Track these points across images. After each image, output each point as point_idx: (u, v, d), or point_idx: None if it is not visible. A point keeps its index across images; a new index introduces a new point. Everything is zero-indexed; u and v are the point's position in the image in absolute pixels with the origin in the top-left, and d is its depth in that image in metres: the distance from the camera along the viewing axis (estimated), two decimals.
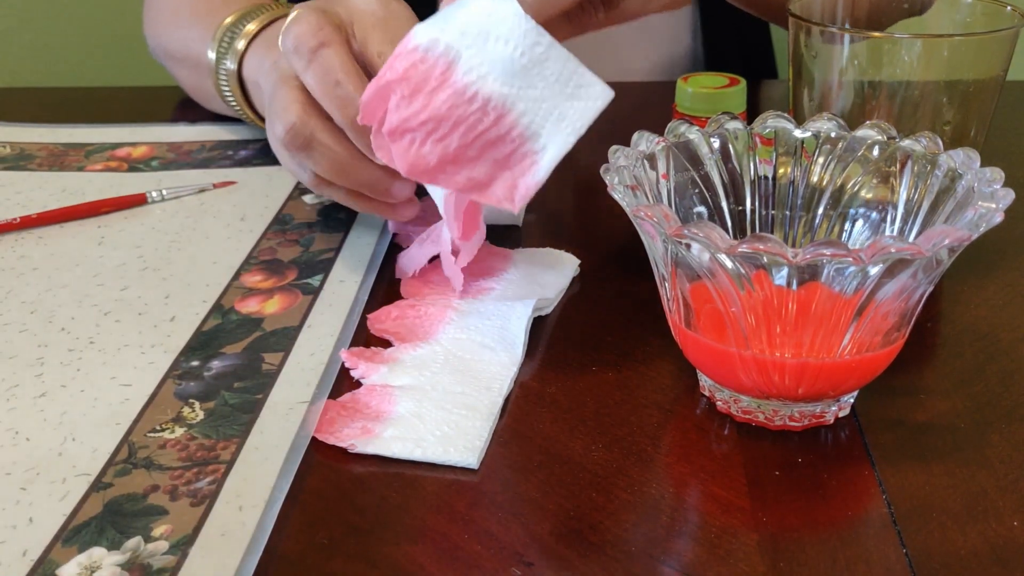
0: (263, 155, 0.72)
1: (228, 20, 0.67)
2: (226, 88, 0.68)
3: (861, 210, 0.46)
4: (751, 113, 0.56)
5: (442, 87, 0.44)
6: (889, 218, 0.45)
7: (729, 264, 0.38)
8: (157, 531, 0.38)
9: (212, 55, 0.67)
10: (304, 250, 0.58)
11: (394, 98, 0.45)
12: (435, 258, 0.54)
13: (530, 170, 0.45)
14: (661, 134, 0.46)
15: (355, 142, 0.51)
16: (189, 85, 0.79)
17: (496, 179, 0.46)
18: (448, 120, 0.44)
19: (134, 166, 0.71)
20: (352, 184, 0.53)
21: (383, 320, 0.50)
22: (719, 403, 0.44)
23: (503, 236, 0.58)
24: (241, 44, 0.66)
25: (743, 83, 0.64)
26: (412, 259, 0.55)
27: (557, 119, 0.44)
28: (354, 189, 0.53)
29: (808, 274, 0.37)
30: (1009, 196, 0.39)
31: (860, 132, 0.46)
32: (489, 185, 0.46)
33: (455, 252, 0.52)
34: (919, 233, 0.43)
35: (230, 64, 0.67)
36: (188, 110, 0.82)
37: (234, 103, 0.69)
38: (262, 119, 0.66)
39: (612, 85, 0.44)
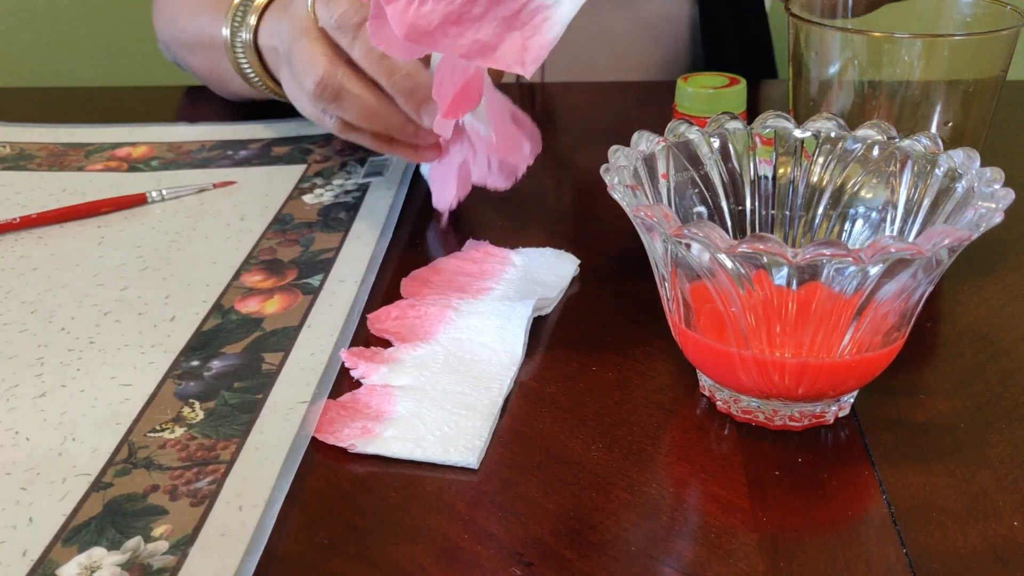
0: (263, 155, 0.72)
1: (236, 0, 0.69)
2: (244, 60, 0.70)
3: (861, 210, 0.46)
4: (751, 113, 0.56)
5: None
6: (889, 218, 0.45)
7: (729, 264, 0.38)
8: (157, 531, 0.38)
9: (226, 31, 0.69)
10: (304, 250, 0.58)
11: None
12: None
13: (542, 28, 0.41)
14: (661, 134, 0.46)
15: (402, 106, 0.52)
16: (204, 71, 0.80)
17: (504, 40, 0.42)
18: None
19: (134, 166, 0.71)
20: (381, 128, 0.55)
21: (383, 320, 0.50)
22: (719, 403, 0.44)
23: (503, 236, 0.58)
24: (253, 19, 0.68)
25: (743, 83, 0.64)
26: (439, 192, 0.54)
27: None
28: (381, 133, 0.54)
29: (808, 274, 0.37)
30: (1009, 196, 0.39)
31: (860, 132, 0.46)
32: (496, 48, 0.42)
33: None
34: (919, 233, 0.43)
35: (245, 35, 0.68)
36: (191, 110, 0.82)
37: (253, 74, 0.71)
38: (280, 85, 0.67)
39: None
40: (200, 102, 0.83)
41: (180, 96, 0.85)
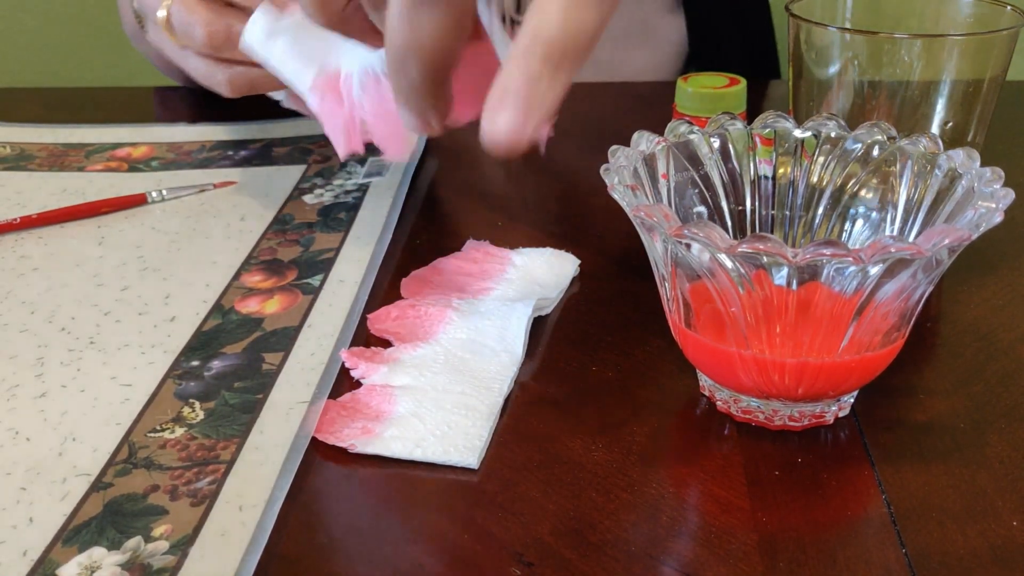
0: (263, 155, 0.72)
1: None
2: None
3: (861, 210, 0.46)
4: (751, 113, 0.56)
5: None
6: (889, 218, 0.45)
7: (729, 264, 0.38)
8: (157, 531, 0.38)
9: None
10: (304, 250, 0.58)
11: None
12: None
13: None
14: (661, 134, 0.46)
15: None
16: (155, 58, 0.81)
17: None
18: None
19: (134, 166, 0.71)
20: None
21: (383, 320, 0.50)
22: (719, 403, 0.44)
23: (503, 236, 0.58)
24: None
25: (743, 83, 0.64)
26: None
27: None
28: None
29: (808, 274, 0.37)
30: (1009, 196, 0.39)
31: (860, 132, 0.46)
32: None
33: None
34: (919, 233, 0.43)
35: None
36: (191, 110, 0.82)
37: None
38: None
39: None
40: (200, 102, 0.83)
41: (180, 96, 0.86)
